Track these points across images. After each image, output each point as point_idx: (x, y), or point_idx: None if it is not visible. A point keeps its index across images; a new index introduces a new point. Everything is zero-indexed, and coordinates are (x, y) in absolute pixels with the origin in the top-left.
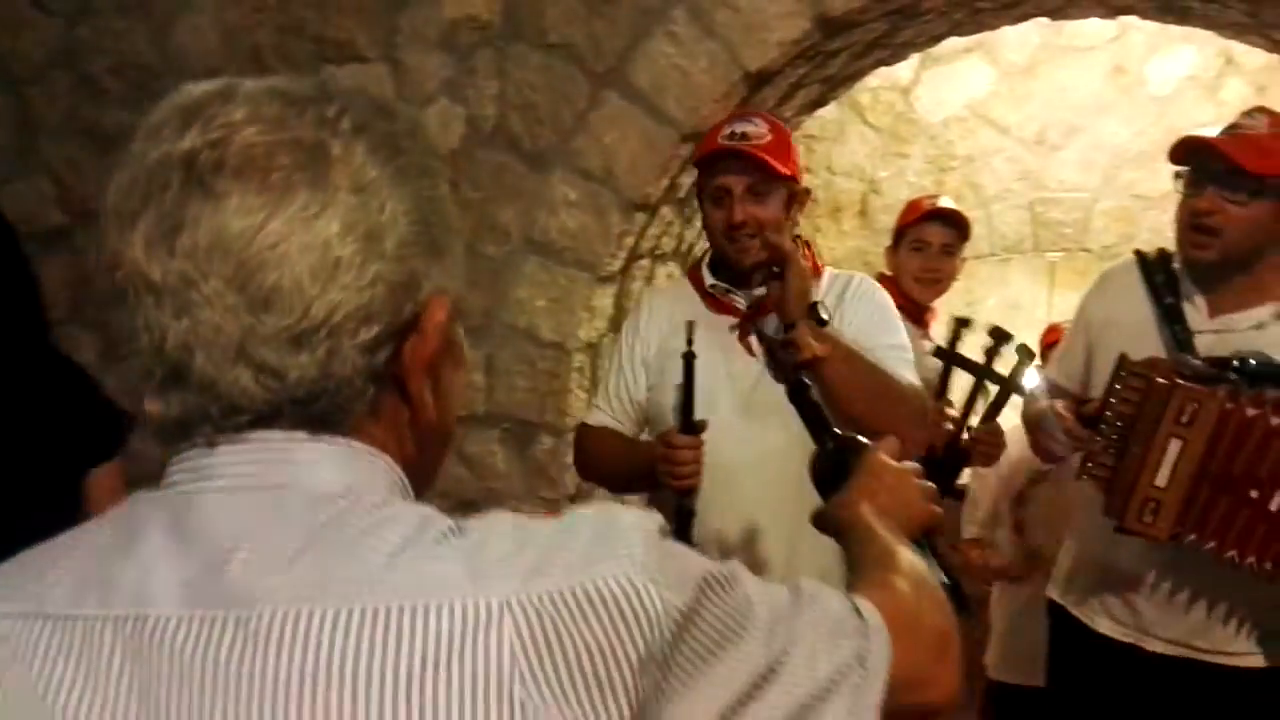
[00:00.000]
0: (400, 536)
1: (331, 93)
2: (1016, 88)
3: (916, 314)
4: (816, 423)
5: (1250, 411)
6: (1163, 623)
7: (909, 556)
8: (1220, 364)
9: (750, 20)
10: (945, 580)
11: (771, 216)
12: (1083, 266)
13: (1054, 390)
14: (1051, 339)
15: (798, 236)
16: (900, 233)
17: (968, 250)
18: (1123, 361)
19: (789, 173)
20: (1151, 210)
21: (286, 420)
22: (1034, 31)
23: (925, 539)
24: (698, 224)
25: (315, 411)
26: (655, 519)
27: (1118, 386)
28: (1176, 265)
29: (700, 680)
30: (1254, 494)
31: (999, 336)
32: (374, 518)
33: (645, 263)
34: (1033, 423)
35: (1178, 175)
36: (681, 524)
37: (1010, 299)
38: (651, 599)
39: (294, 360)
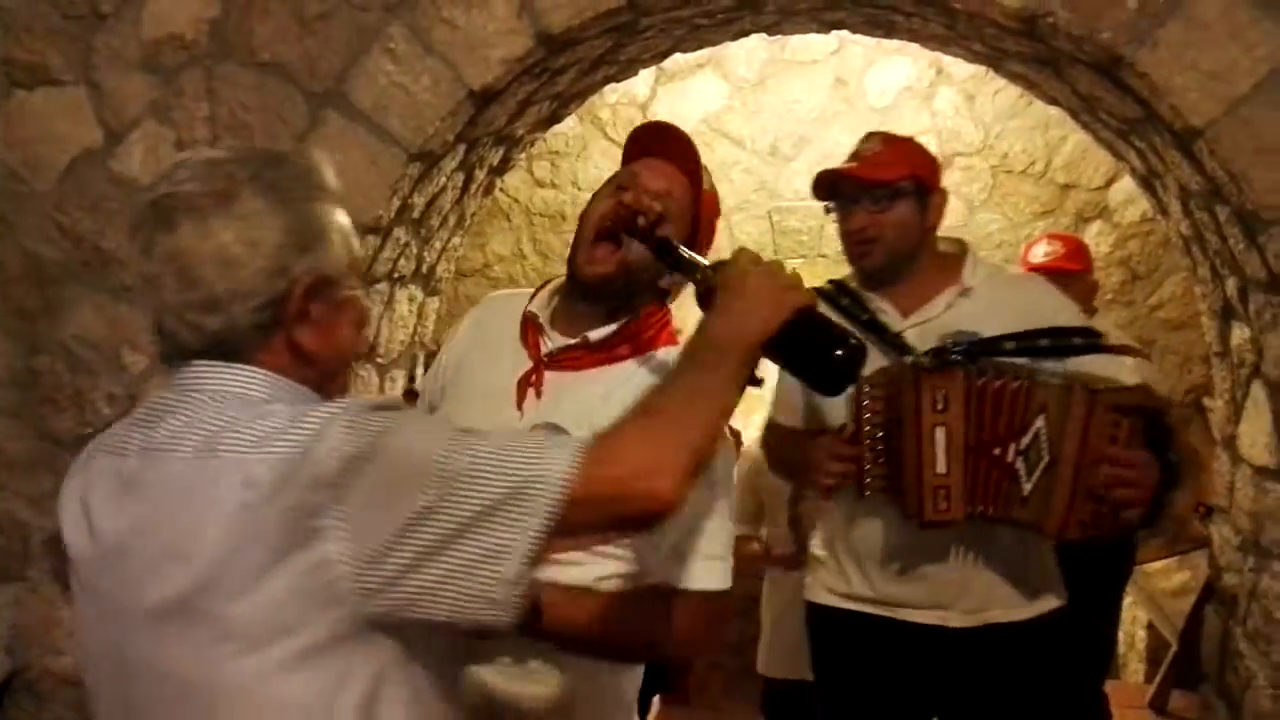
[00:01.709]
0: (251, 420)
1: (241, 156)
2: (748, 101)
3: None
4: (681, 266)
5: (988, 382)
6: (966, 593)
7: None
8: (938, 352)
9: (470, 38)
10: (847, 341)
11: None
12: (821, 272)
13: (777, 430)
14: None
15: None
16: None
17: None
18: (860, 381)
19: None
20: None
21: (211, 354)
22: (761, 47)
23: (805, 317)
24: (437, 244)
25: (225, 349)
26: (360, 401)
27: (865, 402)
28: (854, 286)
29: (379, 501)
30: (997, 451)
31: None
32: (253, 411)
33: (383, 286)
34: (786, 459)
35: (827, 209)
36: None
37: None
38: (324, 456)
39: (208, 319)
